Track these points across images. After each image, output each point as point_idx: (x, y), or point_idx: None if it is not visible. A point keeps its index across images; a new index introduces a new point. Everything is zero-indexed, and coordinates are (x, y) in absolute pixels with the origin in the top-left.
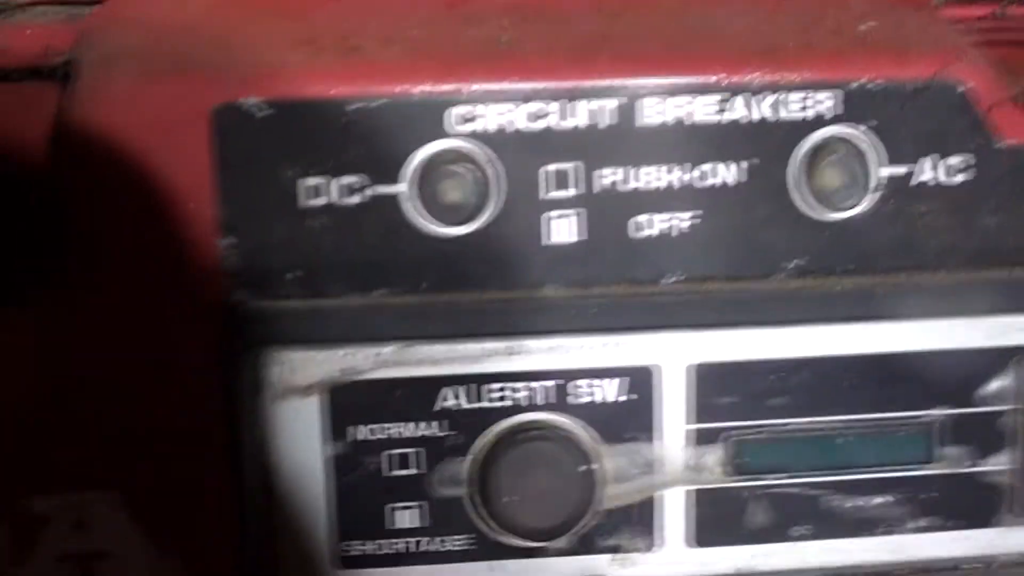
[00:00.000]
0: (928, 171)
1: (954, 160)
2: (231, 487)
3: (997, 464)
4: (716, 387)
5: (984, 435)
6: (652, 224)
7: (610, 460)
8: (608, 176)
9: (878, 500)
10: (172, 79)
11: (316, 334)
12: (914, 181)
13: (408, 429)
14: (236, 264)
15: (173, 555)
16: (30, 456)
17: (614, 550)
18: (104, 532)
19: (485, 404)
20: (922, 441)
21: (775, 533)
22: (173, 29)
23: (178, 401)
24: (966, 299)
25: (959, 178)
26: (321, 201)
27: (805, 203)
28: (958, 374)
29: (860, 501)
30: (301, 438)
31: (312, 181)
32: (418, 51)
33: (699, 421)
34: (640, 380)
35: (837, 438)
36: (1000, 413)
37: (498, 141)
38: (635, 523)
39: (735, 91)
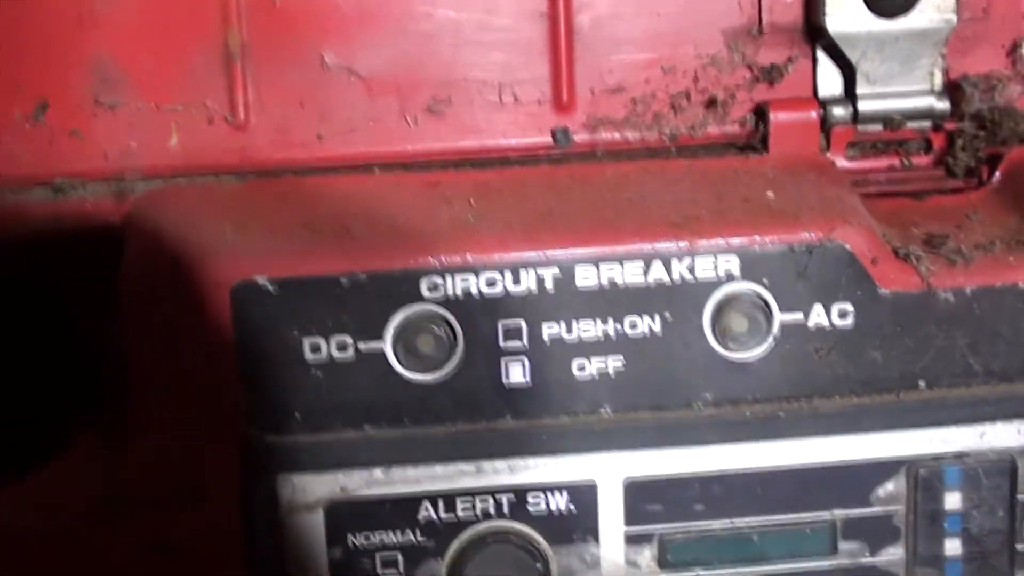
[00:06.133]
0: (820, 316)
1: (842, 307)
2: None
3: (891, 555)
4: (646, 497)
5: (879, 531)
6: (589, 366)
7: (560, 559)
8: (552, 328)
9: None
10: (201, 262)
11: (317, 461)
12: (808, 324)
13: (394, 536)
14: (253, 406)
15: None
16: (87, 557)
17: None
18: None
19: (457, 515)
20: (826, 537)
21: None
22: (200, 218)
23: (206, 515)
24: (859, 420)
25: (847, 321)
26: (320, 357)
27: (716, 345)
28: (855, 481)
29: None
30: (307, 545)
31: (312, 340)
32: (396, 231)
33: (633, 524)
34: (583, 493)
35: (752, 536)
36: (892, 513)
37: (462, 304)
38: None
39: (654, 257)
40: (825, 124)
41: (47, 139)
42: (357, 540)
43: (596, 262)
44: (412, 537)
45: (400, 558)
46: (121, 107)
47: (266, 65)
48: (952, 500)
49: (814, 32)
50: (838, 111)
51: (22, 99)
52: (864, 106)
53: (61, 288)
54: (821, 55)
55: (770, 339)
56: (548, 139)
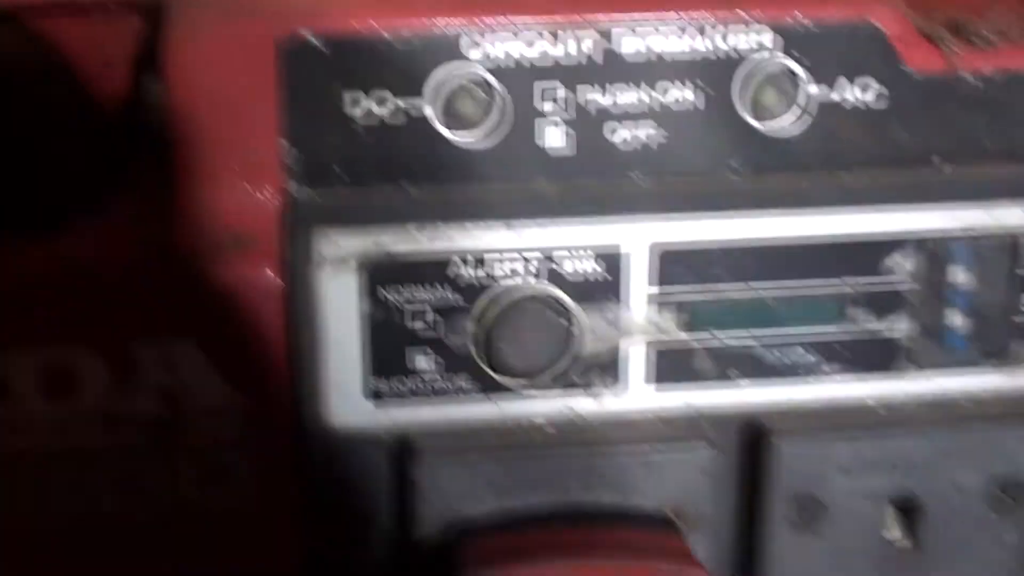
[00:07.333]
0: (846, 92)
1: (868, 83)
2: (285, 335)
3: (897, 324)
4: (671, 262)
5: (887, 301)
6: (623, 132)
7: (585, 318)
8: (589, 93)
9: (799, 352)
10: (246, 19)
11: (354, 216)
12: (835, 99)
13: (426, 292)
14: (294, 160)
15: (238, 387)
16: (128, 311)
17: (588, 389)
18: (186, 371)
19: (487, 273)
20: (836, 305)
21: (717, 377)
22: None
23: (246, 267)
24: (876, 194)
25: (872, 98)
26: (360, 112)
27: (747, 116)
28: (868, 253)
29: (785, 353)
30: (342, 298)
31: (354, 95)
32: None
33: (657, 288)
34: (611, 255)
35: (768, 301)
36: (900, 284)
37: (502, 65)
38: (605, 368)
39: (691, 27)
40: None
41: None
42: (389, 294)
43: (634, 28)
44: (443, 293)
45: (430, 313)
46: None
47: None
48: (956, 274)
49: None
50: None
51: None
52: None
53: (92, 45)
54: None
55: (798, 112)
56: None
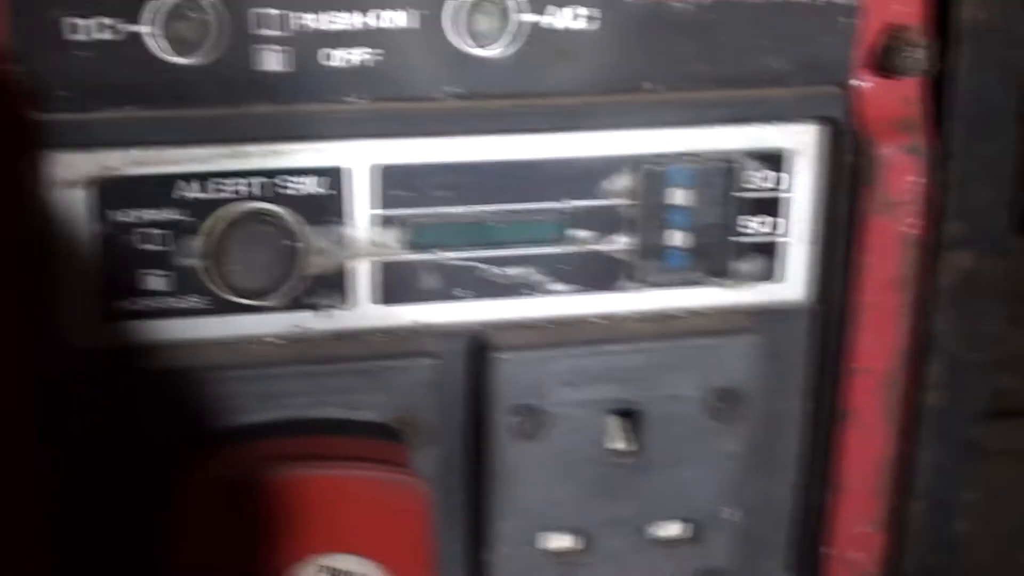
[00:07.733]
0: (558, 18)
1: (580, 9)
2: (19, 258)
3: (617, 244)
4: (394, 182)
5: (607, 221)
6: (339, 56)
7: (311, 238)
8: (303, 17)
9: (523, 270)
10: None
11: (83, 139)
12: (547, 25)
13: (154, 214)
14: (23, 86)
15: None
16: None
17: (316, 307)
18: None
19: (213, 195)
20: (556, 225)
21: (442, 295)
22: None
23: None
24: (592, 117)
25: (584, 23)
26: (82, 36)
27: (460, 40)
28: (586, 174)
29: (508, 271)
30: (74, 219)
31: (75, 20)
32: None
33: (380, 208)
34: (333, 177)
35: (489, 222)
36: (619, 205)
37: None
38: (332, 286)
39: None
40: None
41: None
42: (118, 216)
43: None
44: (170, 214)
45: (159, 233)
46: None
47: None
48: (675, 195)
49: None
50: None
51: None
52: None
53: None
54: None
55: (510, 37)
56: None
